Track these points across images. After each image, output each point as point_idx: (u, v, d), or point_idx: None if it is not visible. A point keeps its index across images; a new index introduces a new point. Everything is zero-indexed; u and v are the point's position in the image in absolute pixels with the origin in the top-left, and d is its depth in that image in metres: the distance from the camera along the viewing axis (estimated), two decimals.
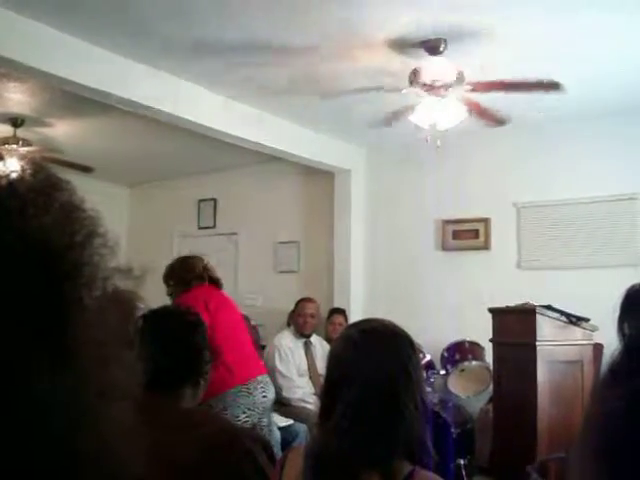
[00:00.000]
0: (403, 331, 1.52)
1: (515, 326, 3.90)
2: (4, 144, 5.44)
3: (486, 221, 5.81)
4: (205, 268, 3.84)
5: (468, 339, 5.23)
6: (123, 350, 0.49)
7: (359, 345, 1.50)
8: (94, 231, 0.49)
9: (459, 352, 5.19)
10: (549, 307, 3.74)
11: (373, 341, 1.49)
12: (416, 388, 1.42)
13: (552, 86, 3.99)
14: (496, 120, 4.59)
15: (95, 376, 0.46)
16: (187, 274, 3.79)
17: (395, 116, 4.48)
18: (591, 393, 0.60)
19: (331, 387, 1.49)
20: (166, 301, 3.65)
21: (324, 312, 6.07)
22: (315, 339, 5.64)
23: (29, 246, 0.44)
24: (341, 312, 5.97)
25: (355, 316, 5.35)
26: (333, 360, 1.53)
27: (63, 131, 5.83)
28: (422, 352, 5.27)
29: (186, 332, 1.79)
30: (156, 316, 1.85)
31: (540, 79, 3.97)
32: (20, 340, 0.42)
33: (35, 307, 0.43)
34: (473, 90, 4.07)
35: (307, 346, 5.52)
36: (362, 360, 1.45)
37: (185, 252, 7.83)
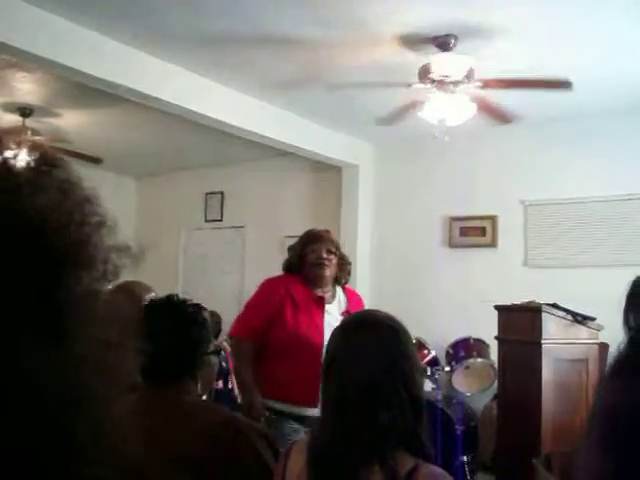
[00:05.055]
0: (398, 323, 1.48)
1: (521, 324, 3.88)
2: (13, 133, 5.45)
3: (493, 218, 5.79)
4: None
5: (473, 336, 5.23)
6: (125, 336, 0.48)
7: (344, 336, 1.51)
8: (92, 210, 0.47)
9: (464, 349, 5.19)
10: (555, 305, 3.72)
11: (357, 332, 1.49)
12: (404, 381, 1.38)
13: (562, 84, 3.97)
14: (502, 118, 4.55)
15: (94, 359, 0.45)
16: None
17: (401, 113, 4.45)
18: (597, 385, 0.61)
19: (324, 379, 1.49)
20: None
21: None
22: None
23: (25, 225, 0.43)
24: None
25: None
26: (326, 352, 1.54)
27: (72, 121, 5.83)
28: (427, 348, 5.27)
29: (181, 324, 1.78)
30: (155, 306, 1.85)
31: (550, 77, 3.95)
32: (15, 321, 0.41)
33: (31, 287, 0.42)
34: (483, 87, 4.05)
35: None
36: (344, 350, 1.46)
37: (192, 245, 7.93)
